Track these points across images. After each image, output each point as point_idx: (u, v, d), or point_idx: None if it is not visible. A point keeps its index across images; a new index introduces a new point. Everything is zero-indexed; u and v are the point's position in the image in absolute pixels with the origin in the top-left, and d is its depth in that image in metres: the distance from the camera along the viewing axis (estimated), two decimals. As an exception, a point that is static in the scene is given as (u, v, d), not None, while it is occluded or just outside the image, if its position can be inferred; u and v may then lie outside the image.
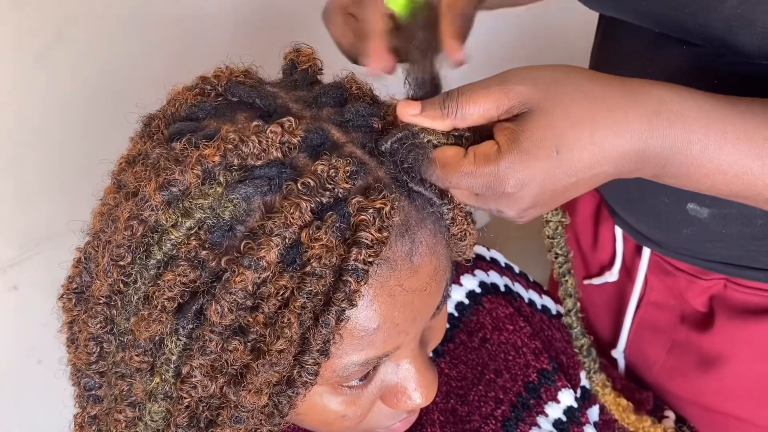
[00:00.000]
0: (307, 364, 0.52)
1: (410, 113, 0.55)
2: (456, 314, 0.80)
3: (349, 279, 0.51)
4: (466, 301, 0.80)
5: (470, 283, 0.81)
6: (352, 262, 0.51)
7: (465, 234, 0.61)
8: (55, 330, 0.60)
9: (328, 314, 0.51)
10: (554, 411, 0.78)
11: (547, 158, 0.52)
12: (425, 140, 0.56)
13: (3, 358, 1.05)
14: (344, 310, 0.51)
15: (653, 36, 0.71)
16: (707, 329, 0.84)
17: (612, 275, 0.92)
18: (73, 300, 0.58)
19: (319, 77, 0.62)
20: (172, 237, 0.51)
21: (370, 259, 0.51)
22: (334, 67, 0.63)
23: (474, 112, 0.54)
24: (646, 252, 0.86)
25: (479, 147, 0.54)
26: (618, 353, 0.93)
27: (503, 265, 0.85)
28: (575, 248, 0.96)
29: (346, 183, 0.52)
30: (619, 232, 0.89)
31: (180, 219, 0.51)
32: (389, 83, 0.64)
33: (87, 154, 0.88)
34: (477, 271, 0.82)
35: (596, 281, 0.94)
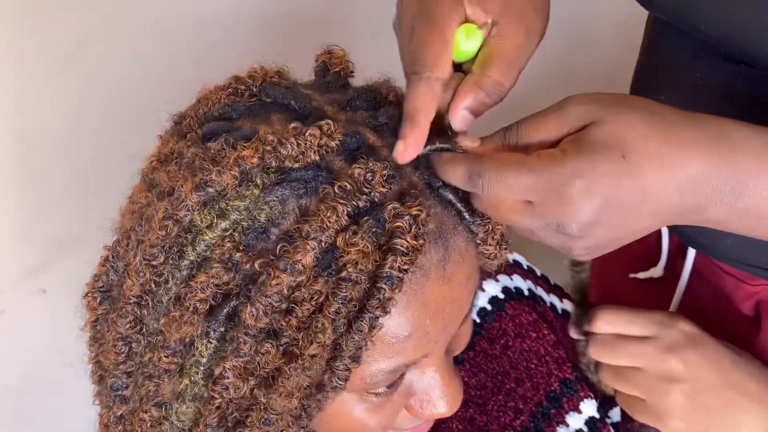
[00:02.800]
0: (338, 370, 0.51)
1: (470, 146, 0.54)
2: (478, 320, 0.79)
3: (384, 286, 0.50)
4: (489, 307, 0.80)
5: (493, 288, 0.80)
6: (387, 270, 0.50)
7: (496, 256, 0.60)
8: (84, 332, 0.59)
9: (362, 321, 0.50)
10: (575, 421, 0.77)
11: (615, 161, 0.50)
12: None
13: (33, 359, 1.07)
14: (377, 318, 0.51)
15: (699, 47, 0.70)
16: (754, 334, 0.82)
17: (657, 271, 0.90)
18: (98, 298, 0.58)
19: (349, 80, 0.62)
20: (207, 238, 0.51)
21: (405, 267, 0.51)
22: (363, 70, 0.62)
23: (535, 140, 0.53)
24: (692, 252, 0.85)
25: (543, 150, 0.52)
26: None
27: (526, 267, 0.84)
28: None
29: (383, 187, 0.51)
30: (664, 229, 0.87)
31: (215, 220, 0.50)
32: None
33: (110, 159, 0.89)
34: (500, 276, 0.81)
35: (641, 275, 0.92)
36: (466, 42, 0.55)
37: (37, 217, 1.00)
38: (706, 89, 0.72)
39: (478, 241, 0.58)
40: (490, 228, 0.57)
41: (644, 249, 0.92)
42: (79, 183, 1.01)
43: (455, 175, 0.54)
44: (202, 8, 1.05)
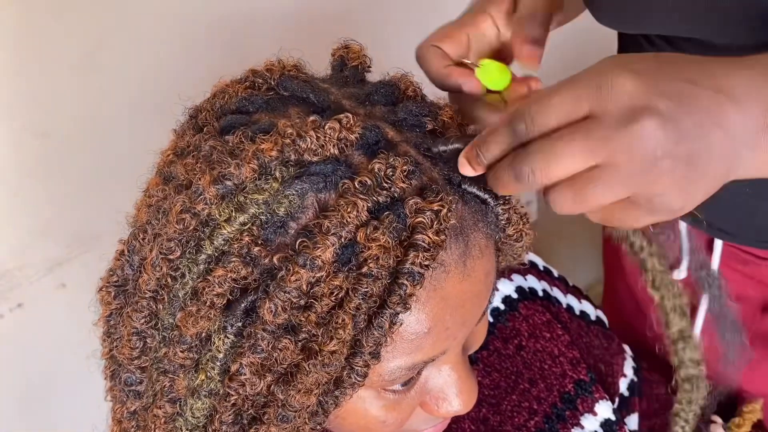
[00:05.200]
0: (357, 366, 0.51)
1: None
2: (491, 320, 0.78)
3: (405, 282, 0.49)
4: (502, 307, 0.79)
5: (507, 288, 0.79)
6: (409, 265, 0.49)
7: (521, 234, 0.59)
8: (98, 327, 0.59)
9: (382, 317, 0.50)
10: (590, 423, 0.76)
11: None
12: None
13: (51, 354, 1.07)
14: (398, 313, 0.50)
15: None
16: None
17: (680, 273, 0.87)
18: (113, 293, 0.57)
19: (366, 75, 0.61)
20: (225, 232, 0.50)
21: (427, 263, 0.50)
22: (379, 66, 0.62)
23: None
24: (718, 244, 0.83)
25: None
26: None
27: (541, 268, 0.83)
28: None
29: (403, 182, 0.50)
30: (683, 226, 0.85)
31: (234, 214, 0.50)
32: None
33: (130, 155, 0.90)
34: (514, 276, 0.80)
35: None
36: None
37: (57, 213, 1.00)
38: None
39: (503, 222, 0.57)
40: (513, 205, 0.57)
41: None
42: (100, 178, 1.01)
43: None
44: (218, 5, 1.05)
